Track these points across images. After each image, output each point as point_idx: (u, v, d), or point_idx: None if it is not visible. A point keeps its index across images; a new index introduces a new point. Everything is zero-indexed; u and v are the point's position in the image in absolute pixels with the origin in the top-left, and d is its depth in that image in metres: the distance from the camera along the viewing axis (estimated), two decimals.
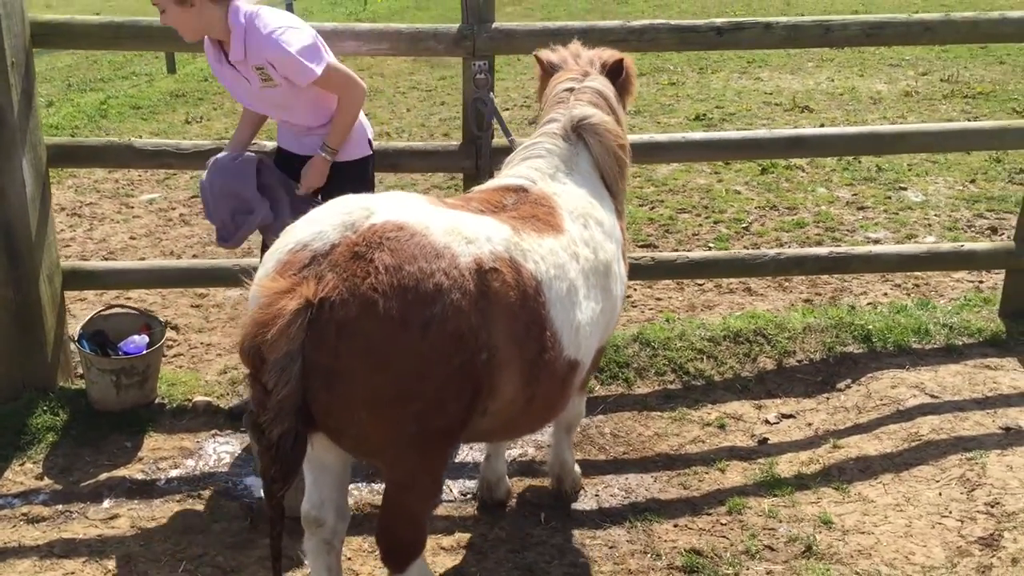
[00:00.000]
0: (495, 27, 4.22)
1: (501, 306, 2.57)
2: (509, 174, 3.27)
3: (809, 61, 13.41)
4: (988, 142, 4.76)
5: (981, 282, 5.84)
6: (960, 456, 3.93)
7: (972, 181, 7.75)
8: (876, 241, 6.49)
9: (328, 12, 20.68)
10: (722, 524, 3.68)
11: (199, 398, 4.51)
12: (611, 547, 3.60)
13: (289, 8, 18.94)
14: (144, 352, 4.30)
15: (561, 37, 4.21)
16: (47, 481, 3.98)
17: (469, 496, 3.92)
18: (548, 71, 3.58)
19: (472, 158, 4.39)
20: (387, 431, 2.56)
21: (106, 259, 6.37)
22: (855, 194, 7.55)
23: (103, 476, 4.01)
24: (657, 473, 4.04)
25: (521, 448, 4.21)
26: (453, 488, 3.96)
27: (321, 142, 3.88)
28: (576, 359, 2.89)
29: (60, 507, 3.83)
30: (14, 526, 3.73)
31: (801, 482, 3.88)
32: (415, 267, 2.44)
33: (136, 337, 4.33)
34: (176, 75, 13.48)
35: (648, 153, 4.53)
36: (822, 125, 9.41)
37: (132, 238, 6.91)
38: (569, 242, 2.94)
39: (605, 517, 3.77)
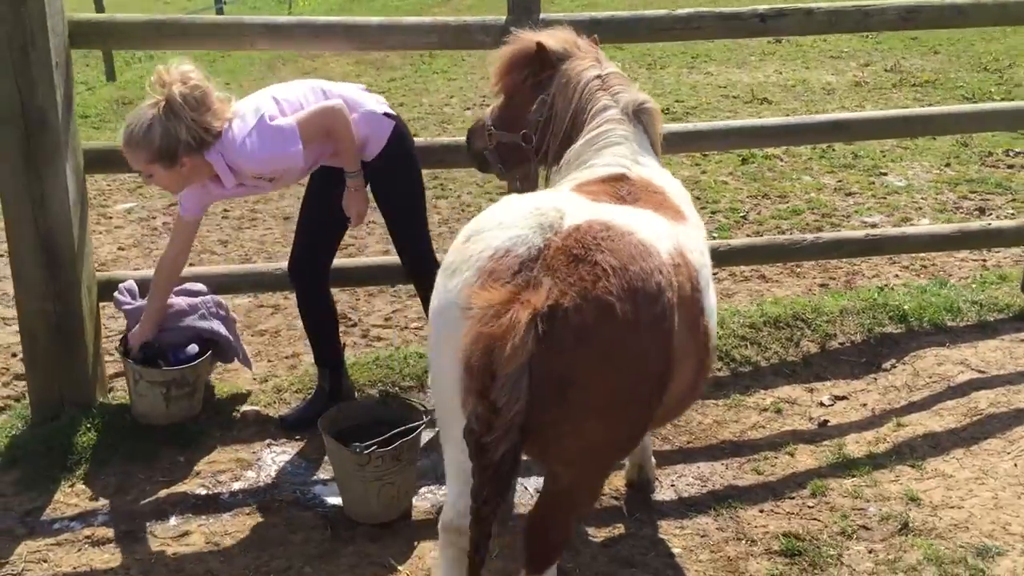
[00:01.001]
0: (542, 18, 4.17)
1: (683, 299, 2.54)
2: (596, 164, 3.19)
3: (751, 55, 13.63)
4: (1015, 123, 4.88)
5: (985, 260, 6.01)
6: (1023, 428, 4.03)
7: (947, 165, 7.98)
8: (872, 225, 6.63)
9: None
10: (809, 507, 3.70)
11: (246, 408, 4.35)
12: (703, 535, 3.59)
13: (219, 12, 18.53)
14: (197, 362, 4.13)
15: (607, 27, 4.21)
16: (103, 501, 3.79)
17: (529, 489, 3.86)
18: (552, 60, 3.33)
19: None
20: (607, 436, 2.51)
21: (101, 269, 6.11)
22: (839, 180, 7.71)
23: (162, 493, 3.84)
24: (727, 460, 4.04)
25: None
26: (528, 487, 3.90)
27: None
28: (715, 343, 2.88)
29: (124, 527, 3.65)
30: (79, 550, 3.54)
31: (875, 461, 3.92)
32: (637, 267, 2.39)
33: (188, 348, 4.15)
34: (116, 82, 13.04)
35: (690, 141, 4.54)
36: (787, 115, 9.60)
37: (120, 248, 6.66)
38: (693, 226, 2.92)
39: (687, 506, 3.76)
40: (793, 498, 3.76)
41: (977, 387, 4.36)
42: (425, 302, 4.23)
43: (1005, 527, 3.46)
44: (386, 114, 3.87)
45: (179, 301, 4.11)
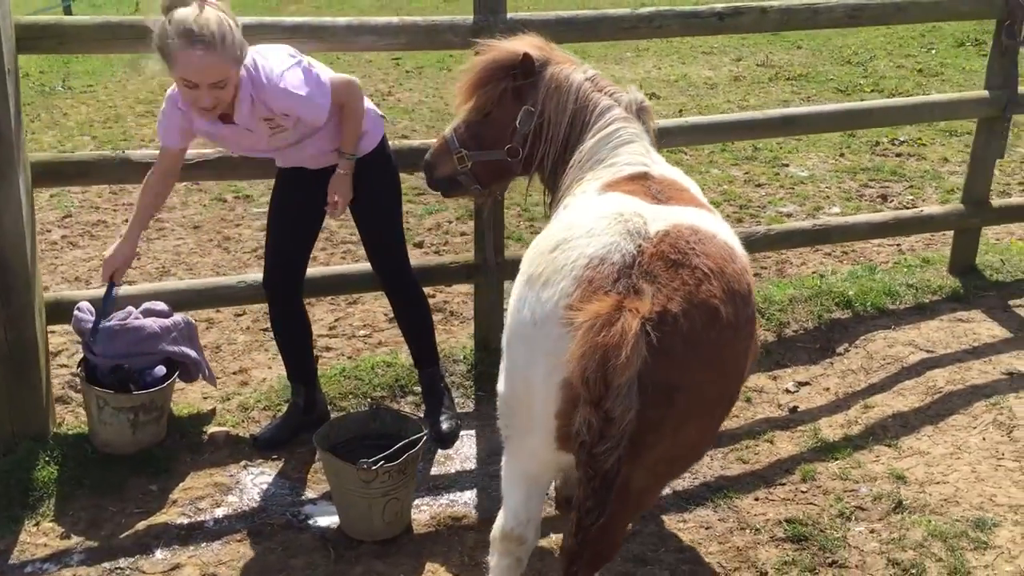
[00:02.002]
0: (510, 17, 4.13)
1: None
2: (617, 162, 3.17)
3: (628, 52, 13.91)
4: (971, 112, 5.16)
5: (899, 245, 6.33)
6: (984, 403, 4.25)
7: (841, 155, 8.36)
8: (788, 215, 6.88)
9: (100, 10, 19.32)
10: (802, 492, 3.80)
11: (214, 429, 4.14)
12: (707, 528, 3.64)
13: (67, 11, 17.53)
14: (166, 384, 3.90)
15: (573, 26, 4.22)
16: (76, 539, 3.53)
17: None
18: (535, 69, 3.26)
19: None
20: (700, 438, 2.55)
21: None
22: (746, 173, 7.96)
23: (140, 525, 3.61)
24: (711, 451, 4.10)
25: None
26: None
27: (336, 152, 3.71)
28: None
29: (107, 565, 3.41)
30: None
31: (854, 443, 4.06)
32: (731, 269, 2.41)
33: (155, 369, 3.91)
34: None
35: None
36: (680, 112, 9.85)
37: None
38: (722, 220, 2.96)
39: (684, 500, 3.79)
40: (784, 484, 3.86)
41: (930, 366, 4.58)
42: (403, 310, 4.13)
43: (991, 499, 3.64)
44: (378, 113, 3.83)
45: (150, 324, 3.88)
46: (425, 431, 3.63)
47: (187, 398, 4.41)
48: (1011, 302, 5.17)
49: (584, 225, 2.47)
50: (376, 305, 5.54)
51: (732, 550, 3.50)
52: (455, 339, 5.06)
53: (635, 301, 2.23)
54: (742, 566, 3.42)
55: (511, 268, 4.52)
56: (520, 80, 3.24)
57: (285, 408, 4.21)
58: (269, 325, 4.10)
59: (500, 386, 2.68)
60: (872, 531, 3.54)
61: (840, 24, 4.59)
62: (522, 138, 3.28)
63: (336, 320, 5.47)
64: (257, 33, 3.82)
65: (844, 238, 5.32)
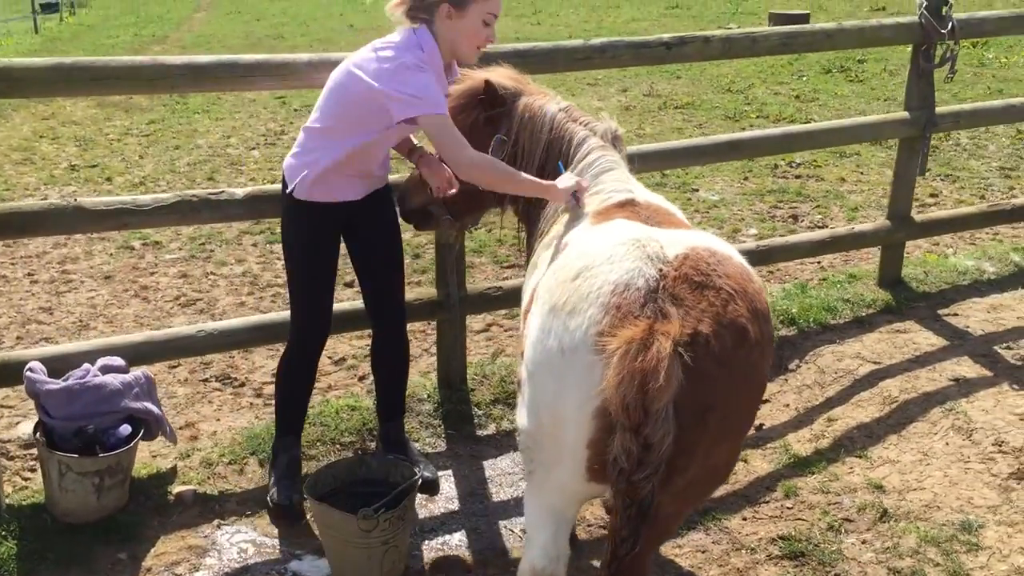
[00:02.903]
0: None
1: None
2: (601, 190, 3.19)
3: None
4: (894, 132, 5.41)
5: (820, 262, 6.56)
6: (939, 409, 4.42)
7: (745, 179, 8.63)
8: None
9: None
10: (788, 508, 3.86)
11: (180, 488, 3.92)
12: (703, 551, 3.65)
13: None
14: (133, 444, 3.67)
15: (530, 58, 4.22)
16: None
17: None
18: (503, 98, 3.33)
19: None
20: (729, 459, 2.59)
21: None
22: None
23: None
24: None
25: None
26: (515, 528, 3.80)
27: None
28: None
29: None
30: None
31: (826, 457, 4.16)
32: (752, 288, 2.44)
33: (120, 428, 3.68)
34: None
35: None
36: None
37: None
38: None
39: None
40: (768, 502, 3.91)
41: (880, 377, 4.75)
42: (391, 359, 3.99)
43: (969, 501, 3.78)
44: None
45: (111, 380, 3.65)
46: (419, 474, 3.53)
47: (139, 457, 4.16)
48: (940, 311, 5.42)
49: (603, 252, 2.47)
50: None
51: (732, 572, 3.52)
52: (410, 377, 4.94)
53: (666, 324, 2.23)
54: None
55: (475, 303, 4.50)
56: (489, 109, 3.30)
57: (277, 463, 3.91)
58: (282, 378, 3.87)
59: (523, 421, 2.62)
60: (864, 541, 3.62)
61: (775, 51, 4.76)
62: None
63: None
64: (214, 73, 3.70)
65: (787, 257, 5.49)
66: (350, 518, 3.28)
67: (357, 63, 3.34)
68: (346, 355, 5.37)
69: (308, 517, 3.77)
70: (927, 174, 5.65)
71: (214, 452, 4.18)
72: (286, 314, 4.27)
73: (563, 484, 2.59)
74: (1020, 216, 6.07)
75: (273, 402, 4.78)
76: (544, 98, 3.33)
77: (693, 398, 2.24)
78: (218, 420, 4.66)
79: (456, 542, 3.73)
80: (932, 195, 7.88)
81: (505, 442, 4.36)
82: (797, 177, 8.67)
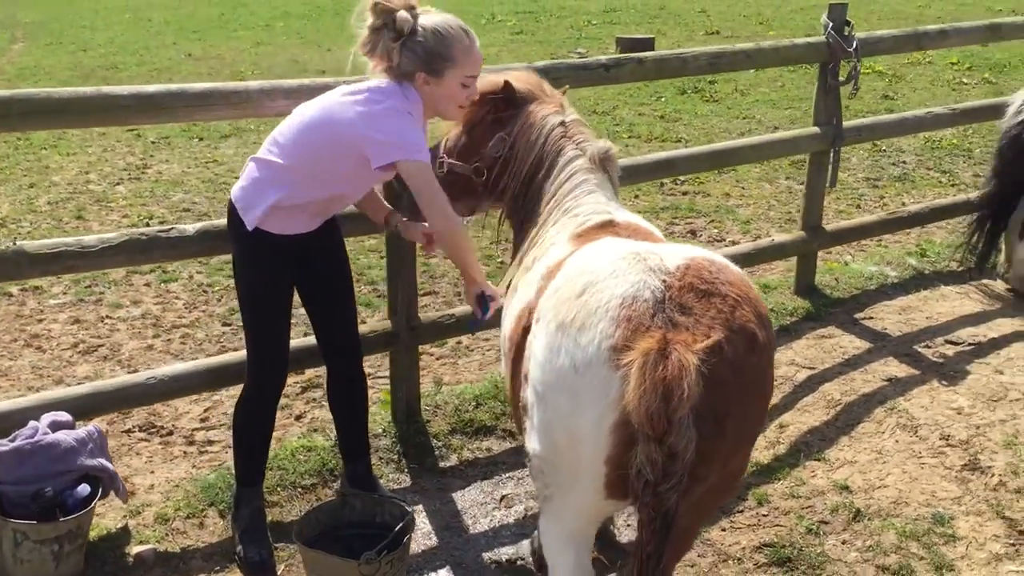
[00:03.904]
0: None
1: None
2: (580, 212, 3.21)
3: None
4: (782, 151, 5.63)
5: None
6: (881, 408, 4.61)
7: (636, 197, 8.82)
8: None
9: None
10: (764, 515, 3.93)
11: (139, 549, 3.64)
12: (692, 566, 3.66)
13: None
14: (93, 504, 3.39)
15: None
16: None
17: (520, 561, 3.71)
18: (516, 100, 3.39)
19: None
20: (742, 465, 2.62)
21: None
22: None
23: None
24: None
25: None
26: (501, 558, 3.72)
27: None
28: None
29: None
30: None
31: (786, 462, 4.25)
32: (753, 294, 2.47)
33: (78, 489, 3.38)
34: None
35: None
36: None
37: None
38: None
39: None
40: (743, 511, 3.97)
41: (819, 381, 4.92)
42: (352, 396, 3.84)
43: (933, 495, 3.95)
44: None
45: (64, 438, 3.37)
46: (411, 510, 3.40)
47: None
48: (856, 316, 5.67)
49: (605, 267, 2.47)
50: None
51: None
52: None
53: (679, 334, 2.25)
54: None
55: (429, 332, 4.40)
56: (501, 109, 3.35)
57: (239, 516, 3.68)
58: (241, 425, 3.64)
59: (533, 445, 2.59)
60: (844, 542, 3.72)
61: (703, 71, 4.90)
62: (490, 160, 3.34)
63: (205, 411, 5.00)
64: (163, 103, 3.49)
65: None
66: (351, 563, 3.13)
67: (336, 103, 3.23)
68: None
69: (280, 570, 3.58)
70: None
71: (168, 506, 3.91)
72: (241, 354, 4.07)
73: (582, 505, 2.58)
74: (916, 222, 6.44)
75: (210, 449, 4.60)
76: (550, 109, 3.34)
77: (710, 405, 2.25)
78: (152, 473, 4.36)
79: None
80: None
81: (470, 473, 4.26)
82: (684, 194, 8.92)
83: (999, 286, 6.08)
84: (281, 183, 3.28)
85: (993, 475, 4.02)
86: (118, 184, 9.97)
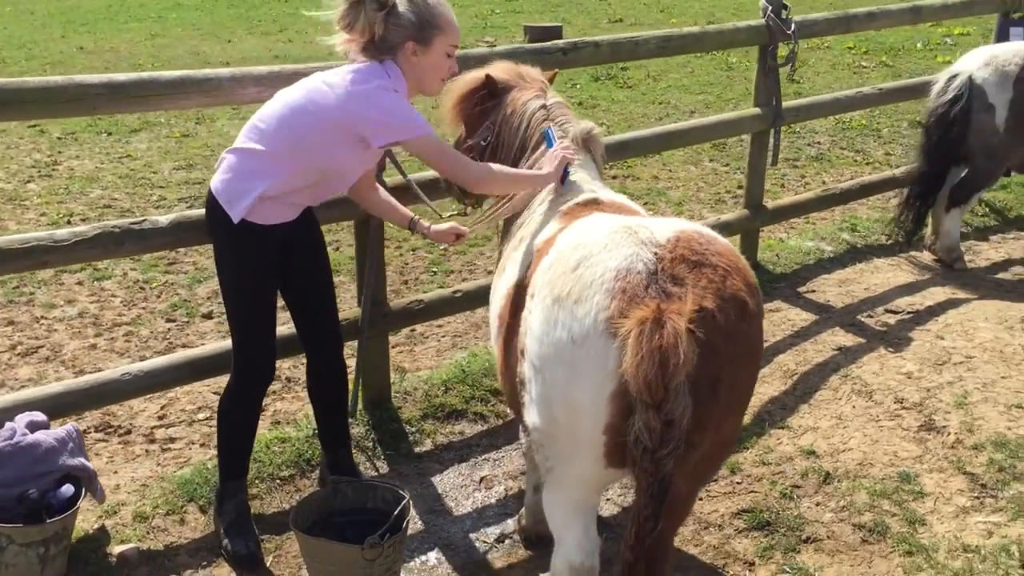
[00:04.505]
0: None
1: None
2: (564, 191, 3.28)
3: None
4: (727, 131, 5.78)
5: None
6: (836, 376, 4.80)
7: None
8: None
9: None
10: (738, 483, 4.05)
11: (121, 548, 3.55)
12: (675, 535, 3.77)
13: None
14: (78, 505, 3.30)
15: None
16: None
17: (507, 539, 3.75)
18: (496, 92, 3.51)
19: None
20: (735, 433, 2.73)
21: None
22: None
23: None
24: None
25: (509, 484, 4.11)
26: (489, 538, 3.76)
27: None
28: None
29: None
30: None
31: (752, 431, 4.37)
32: (742, 263, 2.57)
33: (62, 489, 3.29)
34: None
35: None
36: None
37: None
38: None
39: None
40: (717, 480, 4.08)
41: (773, 352, 5.07)
42: (333, 384, 3.81)
43: (895, 455, 4.13)
44: None
45: (43, 438, 3.26)
46: (405, 493, 3.41)
47: None
48: (799, 289, 5.87)
49: (598, 241, 2.54)
50: (199, 384, 5.02)
51: (710, 549, 3.66)
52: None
53: (673, 303, 2.32)
54: (728, 560, 3.58)
55: (399, 318, 4.40)
56: (486, 99, 3.47)
57: (224, 511, 3.62)
58: (227, 418, 3.58)
59: (534, 419, 2.64)
60: (818, 504, 3.87)
61: (654, 54, 4.99)
62: (480, 149, 3.44)
63: (162, 408, 4.89)
64: (134, 91, 3.41)
65: None
66: (353, 548, 3.12)
67: (321, 86, 3.20)
68: None
69: (268, 562, 3.55)
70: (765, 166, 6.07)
71: (146, 504, 3.83)
72: (213, 347, 4.00)
73: (583, 474, 2.64)
74: (848, 199, 6.69)
75: (172, 446, 4.50)
76: (531, 93, 3.43)
77: (704, 372, 2.34)
78: (116, 473, 4.25)
79: (435, 560, 3.63)
80: (740, 187, 8.49)
81: (446, 456, 4.28)
82: (614, 178, 9.05)
83: (926, 257, 6.37)
84: (268, 172, 3.23)
85: (949, 434, 4.22)
86: (29, 182, 9.59)
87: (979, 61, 5.90)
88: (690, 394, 2.29)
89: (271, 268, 3.40)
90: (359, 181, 3.49)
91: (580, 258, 2.51)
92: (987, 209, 7.31)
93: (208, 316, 6.02)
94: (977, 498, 3.80)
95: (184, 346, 5.64)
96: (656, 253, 2.44)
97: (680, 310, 2.28)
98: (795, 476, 4.04)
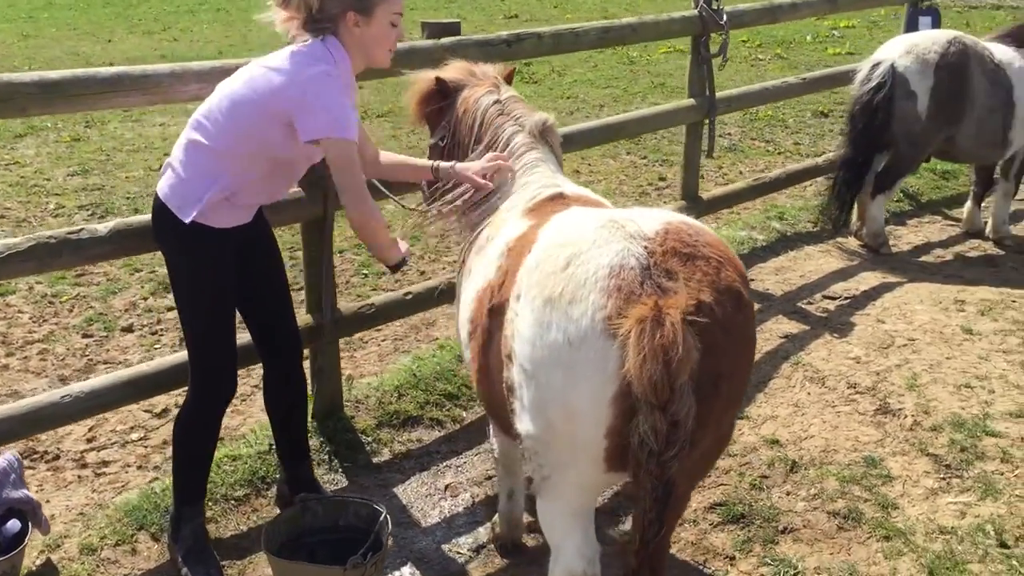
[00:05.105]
0: None
1: None
2: (530, 185, 3.19)
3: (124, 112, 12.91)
4: (666, 122, 5.75)
5: None
6: (787, 364, 4.81)
7: None
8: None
9: None
10: (706, 477, 4.02)
11: None
12: None
13: None
14: (27, 541, 3.03)
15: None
16: None
17: (482, 549, 3.63)
18: (448, 92, 3.45)
19: (320, 203, 3.92)
20: (731, 428, 2.68)
21: None
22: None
23: None
24: None
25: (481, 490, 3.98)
26: (463, 548, 3.62)
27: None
28: None
29: None
30: None
31: None
32: (731, 254, 2.51)
33: (8, 525, 3.01)
34: None
35: None
36: None
37: None
38: None
39: (608, 516, 3.81)
40: None
41: None
42: (294, 397, 3.61)
43: (857, 440, 4.16)
44: None
45: None
46: (382, 507, 3.25)
47: None
48: None
49: (585, 237, 2.45)
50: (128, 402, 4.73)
51: (688, 546, 3.60)
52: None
53: (670, 299, 2.25)
54: (707, 556, 3.54)
55: (350, 324, 4.22)
56: (440, 99, 3.43)
57: (181, 537, 3.38)
58: (185, 437, 3.35)
59: (527, 426, 2.51)
60: (789, 493, 3.86)
61: (594, 45, 4.94)
62: (438, 152, 3.42)
63: (90, 431, 4.58)
64: (69, 90, 3.16)
65: None
66: (335, 570, 2.95)
67: (262, 73, 3.01)
68: (168, 406, 4.77)
69: None
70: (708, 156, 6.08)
71: (92, 535, 3.56)
72: (160, 363, 3.75)
73: (582, 480, 2.55)
74: (777, 187, 6.77)
75: (107, 471, 4.21)
76: (482, 91, 3.37)
77: (705, 368, 2.27)
78: (48, 502, 3.94)
79: (409, 574, 3.48)
80: (661, 179, 8.53)
81: (406, 465, 4.12)
82: None
83: (853, 243, 6.49)
84: (218, 170, 3.04)
85: (906, 416, 4.28)
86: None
87: (900, 50, 6.03)
88: (692, 392, 2.22)
89: (229, 274, 3.19)
90: (365, 155, 3.31)
91: (570, 256, 2.40)
92: (902, 195, 7.51)
93: (129, 329, 5.70)
94: (943, 479, 3.85)
95: (106, 363, 5.33)
96: (646, 247, 2.35)
97: (678, 305, 2.20)
98: (762, 466, 4.02)
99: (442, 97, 3.40)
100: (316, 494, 3.45)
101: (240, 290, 3.35)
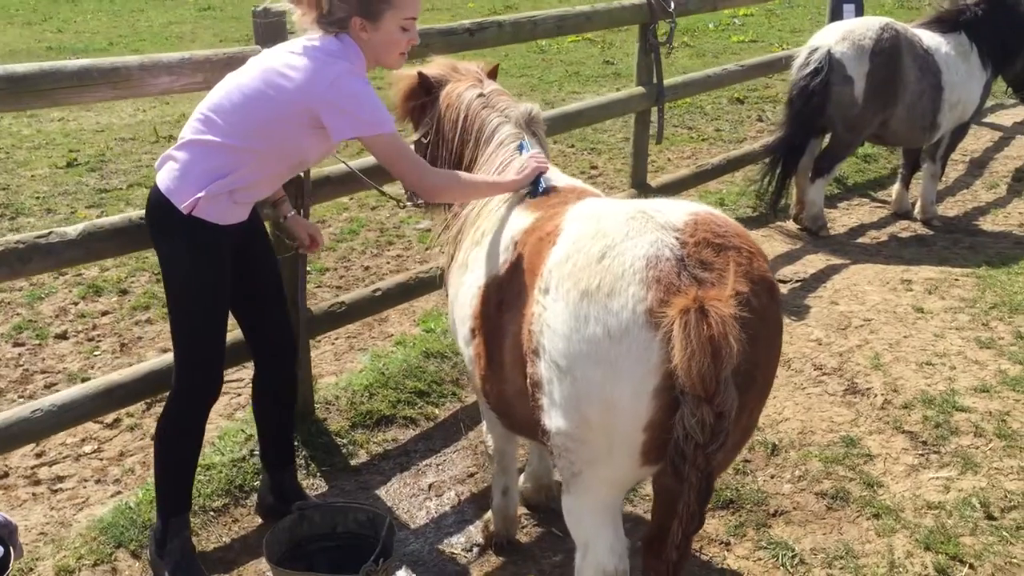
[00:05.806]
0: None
1: None
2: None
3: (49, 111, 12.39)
4: (618, 110, 5.74)
5: None
6: None
7: None
8: (427, 230, 7.00)
9: None
10: None
11: None
12: (644, 522, 3.70)
13: None
14: (10, 568, 2.82)
15: None
16: None
17: (476, 547, 3.56)
18: (430, 88, 3.38)
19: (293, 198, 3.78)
20: (757, 418, 2.65)
21: None
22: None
23: None
24: None
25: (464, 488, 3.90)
26: (456, 548, 3.54)
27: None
28: None
29: None
30: None
31: None
32: (757, 245, 2.49)
33: None
34: None
35: None
36: None
37: None
38: None
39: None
40: None
41: None
42: (286, 403, 3.48)
43: (832, 421, 4.22)
44: None
45: None
46: (383, 512, 3.15)
47: None
48: None
49: (617, 229, 2.41)
50: None
51: None
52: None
53: (708, 289, 2.24)
54: (703, 542, 3.54)
55: (321, 323, 4.09)
56: (423, 95, 3.36)
57: (167, 552, 3.22)
58: (170, 445, 3.18)
59: (559, 423, 2.46)
60: (774, 476, 3.89)
61: (551, 33, 4.91)
62: (423, 148, 3.35)
63: (38, 444, 4.32)
64: (36, 84, 2.96)
65: None
66: None
67: (278, 67, 2.88)
68: (120, 416, 4.54)
69: None
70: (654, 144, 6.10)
71: (67, 556, 3.36)
72: (134, 371, 3.56)
73: (615, 476, 2.52)
74: (720, 173, 6.84)
75: (63, 486, 4.00)
76: (464, 85, 3.32)
77: (745, 358, 2.25)
78: (25, 521, 3.73)
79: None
80: (592, 167, 8.55)
81: (385, 466, 4.02)
82: None
83: (792, 226, 6.61)
84: (226, 167, 2.93)
85: (876, 395, 4.37)
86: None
87: (836, 35, 6.15)
88: (734, 383, 2.20)
89: (225, 271, 3.05)
90: None
91: (604, 248, 2.35)
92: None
93: (63, 336, 5.42)
94: (922, 455, 3.94)
95: (44, 372, 5.05)
96: (678, 238, 2.33)
97: (720, 297, 2.17)
98: (744, 451, 4.05)
99: (425, 93, 3.35)
100: (312, 502, 3.32)
101: (235, 289, 3.20)
